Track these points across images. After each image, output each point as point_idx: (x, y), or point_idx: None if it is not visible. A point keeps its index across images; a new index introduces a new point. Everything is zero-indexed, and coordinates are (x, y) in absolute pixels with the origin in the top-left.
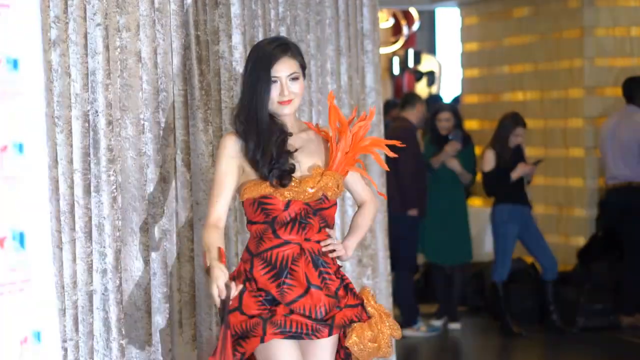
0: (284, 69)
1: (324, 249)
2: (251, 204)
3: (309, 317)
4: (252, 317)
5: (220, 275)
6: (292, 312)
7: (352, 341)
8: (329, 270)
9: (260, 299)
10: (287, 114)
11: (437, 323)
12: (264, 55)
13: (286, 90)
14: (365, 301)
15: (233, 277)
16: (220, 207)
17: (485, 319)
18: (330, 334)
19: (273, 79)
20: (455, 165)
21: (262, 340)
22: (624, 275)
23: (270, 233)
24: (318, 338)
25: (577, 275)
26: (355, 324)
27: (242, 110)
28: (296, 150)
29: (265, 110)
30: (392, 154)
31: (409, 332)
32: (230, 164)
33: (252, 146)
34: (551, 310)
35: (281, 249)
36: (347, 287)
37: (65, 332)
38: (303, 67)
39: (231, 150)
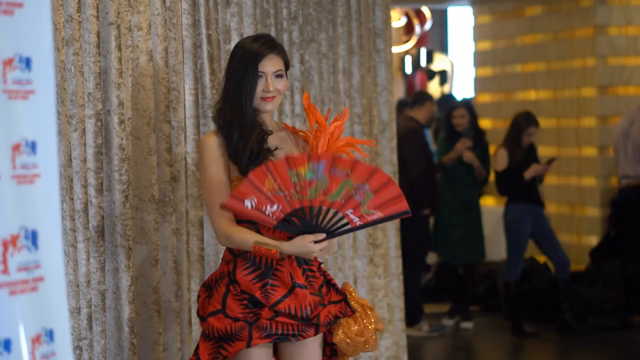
0: (270, 65)
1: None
2: None
3: (295, 317)
4: (236, 320)
5: (304, 240)
6: (277, 313)
7: (339, 338)
8: (313, 267)
9: (245, 302)
10: (269, 110)
11: (449, 322)
12: (251, 51)
13: (271, 86)
14: (348, 296)
15: (215, 279)
16: (227, 212)
17: (497, 318)
18: (316, 333)
19: (259, 74)
20: (471, 158)
21: (249, 345)
22: (636, 274)
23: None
24: (305, 338)
25: (590, 275)
26: (340, 320)
27: (227, 105)
28: (276, 148)
29: (251, 105)
30: (364, 155)
31: (411, 332)
32: (219, 165)
33: (236, 138)
34: (563, 309)
35: None
36: (329, 283)
37: (80, 331)
38: (287, 66)
39: (215, 150)
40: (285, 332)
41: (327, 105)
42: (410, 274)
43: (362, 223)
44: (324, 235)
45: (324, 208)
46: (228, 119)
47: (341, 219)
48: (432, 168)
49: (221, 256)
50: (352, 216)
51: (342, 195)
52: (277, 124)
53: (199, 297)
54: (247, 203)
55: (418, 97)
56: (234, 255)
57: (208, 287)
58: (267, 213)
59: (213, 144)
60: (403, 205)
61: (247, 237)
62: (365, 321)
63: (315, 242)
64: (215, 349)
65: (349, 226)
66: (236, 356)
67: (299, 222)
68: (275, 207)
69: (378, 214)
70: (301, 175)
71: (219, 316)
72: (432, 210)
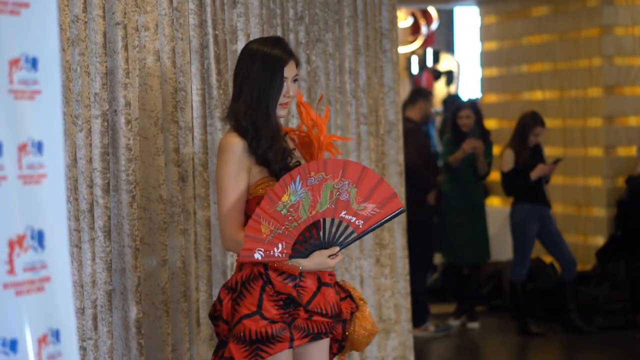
0: (291, 70)
1: None
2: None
3: (326, 315)
4: (274, 321)
5: (321, 257)
6: (311, 313)
7: (357, 332)
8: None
9: (280, 302)
10: (283, 116)
11: (455, 323)
12: (275, 57)
13: (291, 91)
14: (352, 292)
15: (242, 281)
16: (241, 215)
17: (503, 319)
18: (344, 328)
19: (284, 79)
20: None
21: (291, 346)
22: None
23: None
24: (334, 335)
25: (596, 275)
26: (356, 314)
27: (251, 109)
28: (294, 148)
29: (275, 109)
30: (339, 152)
31: (417, 332)
32: (240, 166)
33: (266, 145)
34: (570, 310)
35: None
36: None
37: (84, 331)
38: (298, 67)
39: (238, 152)
40: (320, 330)
41: (334, 106)
42: (416, 275)
43: (361, 222)
44: (337, 249)
45: (321, 221)
46: (255, 124)
47: (340, 224)
48: (434, 168)
49: (229, 257)
50: (348, 217)
51: (329, 201)
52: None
53: (221, 300)
54: (257, 255)
55: (411, 96)
56: None
57: (232, 290)
58: (276, 255)
59: (238, 148)
60: (396, 204)
61: None
62: (367, 314)
63: (330, 255)
64: (252, 351)
65: (354, 234)
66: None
67: (306, 246)
68: (280, 246)
69: (370, 207)
70: (286, 203)
71: (255, 318)
72: (436, 210)
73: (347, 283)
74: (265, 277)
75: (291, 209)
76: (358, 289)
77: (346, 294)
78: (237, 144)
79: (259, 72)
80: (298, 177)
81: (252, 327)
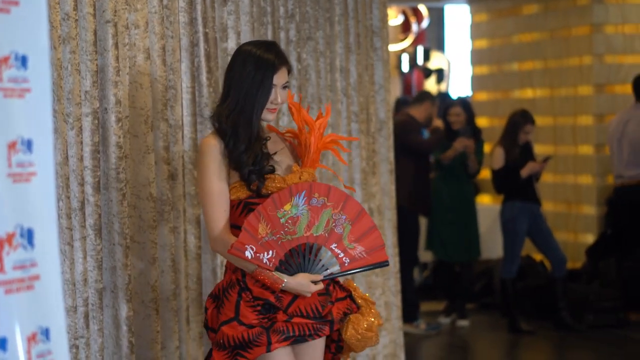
0: (281, 77)
1: None
2: (236, 206)
3: (308, 317)
4: (252, 326)
5: (305, 279)
6: (291, 316)
7: (349, 334)
8: None
9: (258, 308)
10: (270, 120)
11: (446, 320)
12: (267, 61)
13: (279, 98)
14: (353, 292)
15: (223, 288)
16: (226, 216)
17: (494, 316)
18: (331, 330)
19: (273, 85)
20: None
21: (269, 350)
22: (632, 272)
23: None
24: (320, 337)
25: (586, 273)
26: (350, 316)
27: (235, 112)
28: (275, 153)
29: (260, 115)
30: (346, 150)
31: (408, 329)
32: (220, 168)
33: (242, 148)
34: (560, 307)
35: None
36: (333, 280)
37: (76, 329)
38: (289, 73)
39: (217, 153)
40: (302, 332)
41: (325, 104)
42: (403, 272)
43: (347, 260)
44: (321, 277)
45: (312, 246)
46: (235, 127)
47: (328, 255)
48: (425, 169)
49: (218, 255)
50: (337, 250)
51: (324, 228)
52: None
53: (206, 309)
54: (248, 253)
55: (419, 95)
56: None
57: (216, 298)
58: (264, 261)
59: (215, 149)
60: (382, 255)
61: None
62: (370, 316)
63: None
64: (232, 357)
65: (338, 269)
66: (266, 357)
67: (293, 264)
68: (270, 253)
69: (359, 249)
70: (287, 213)
71: (232, 324)
72: (425, 211)
73: (351, 282)
74: (243, 284)
75: (289, 221)
76: None
77: (346, 294)
78: (214, 145)
79: (248, 75)
80: (304, 192)
81: (230, 333)
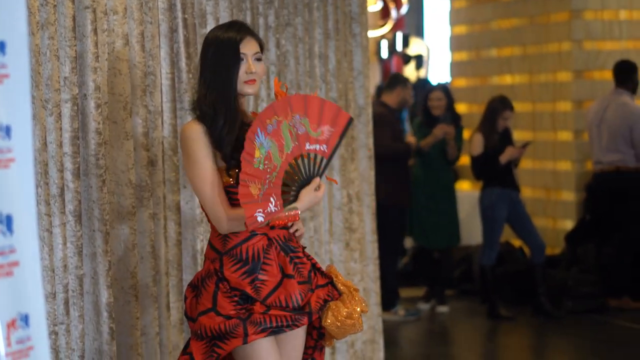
0: (250, 47)
1: (295, 233)
2: None
3: (287, 308)
4: (229, 317)
5: (308, 192)
6: (268, 307)
7: (329, 321)
8: (299, 254)
9: (235, 298)
10: (250, 93)
11: (425, 306)
12: (229, 37)
13: (253, 67)
14: (334, 279)
15: (202, 278)
16: (225, 195)
17: (473, 303)
18: (310, 321)
19: (241, 56)
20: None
21: (245, 341)
22: (611, 258)
23: None
24: (298, 327)
25: (565, 259)
26: (329, 304)
27: (209, 92)
28: None
29: (234, 88)
30: None
31: (387, 316)
32: (208, 154)
33: (221, 123)
34: (539, 293)
35: (250, 242)
36: (314, 267)
37: (56, 316)
38: (262, 49)
39: (202, 139)
40: (280, 324)
41: (304, 90)
42: (386, 259)
43: (324, 147)
44: (318, 180)
45: (294, 162)
46: (212, 104)
47: (309, 157)
48: (404, 157)
49: (199, 241)
50: (312, 147)
51: (292, 139)
52: (249, 113)
53: (186, 298)
54: (260, 218)
55: (390, 81)
56: (219, 253)
57: (195, 287)
58: (273, 210)
59: (198, 133)
60: (343, 117)
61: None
62: (352, 303)
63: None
64: (209, 347)
65: (323, 160)
66: (242, 353)
67: (292, 190)
68: (272, 200)
69: (326, 129)
70: (260, 157)
71: (210, 315)
72: (405, 202)
73: (333, 269)
74: (220, 274)
75: (266, 161)
76: None
77: (327, 280)
78: (196, 130)
79: (214, 55)
80: (258, 129)
81: (207, 323)
